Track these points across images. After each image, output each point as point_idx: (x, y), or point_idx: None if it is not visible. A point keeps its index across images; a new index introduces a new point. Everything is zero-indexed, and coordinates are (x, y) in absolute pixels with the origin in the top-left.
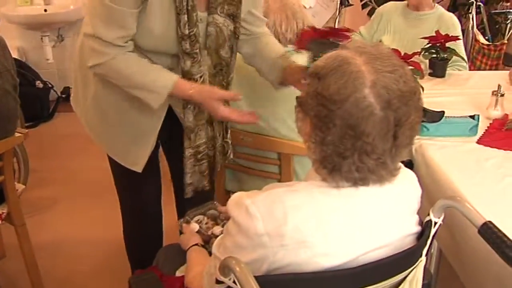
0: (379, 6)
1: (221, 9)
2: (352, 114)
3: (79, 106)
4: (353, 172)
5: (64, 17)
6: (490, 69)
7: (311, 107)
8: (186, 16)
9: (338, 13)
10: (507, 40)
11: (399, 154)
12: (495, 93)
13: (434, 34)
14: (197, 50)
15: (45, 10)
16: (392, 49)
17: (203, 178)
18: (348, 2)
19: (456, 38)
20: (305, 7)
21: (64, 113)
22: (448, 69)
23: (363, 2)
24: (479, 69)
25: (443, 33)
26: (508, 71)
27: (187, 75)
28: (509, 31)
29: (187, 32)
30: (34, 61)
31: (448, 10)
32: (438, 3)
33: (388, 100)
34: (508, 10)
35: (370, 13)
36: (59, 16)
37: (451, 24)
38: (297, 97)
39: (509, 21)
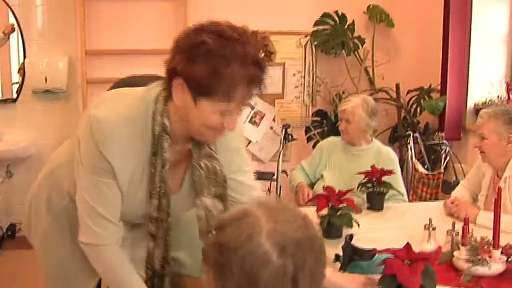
0: (323, 139)
1: (207, 191)
2: (249, 261)
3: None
4: None
5: (14, 154)
6: (430, 198)
7: (213, 257)
8: (157, 200)
9: (283, 147)
10: (444, 169)
11: None
12: (427, 227)
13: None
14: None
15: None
16: (327, 187)
17: None
18: (292, 137)
19: (390, 172)
20: (251, 142)
21: (9, 250)
22: (388, 202)
23: (307, 135)
24: (420, 198)
25: (382, 167)
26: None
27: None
28: (444, 161)
29: (155, 215)
30: None
31: (389, 141)
32: (378, 135)
33: (284, 247)
34: (442, 141)
35: (314, 146)
36: (9, 153)
37: (389, 158)
38: (202, 249)
39: (443, 151)
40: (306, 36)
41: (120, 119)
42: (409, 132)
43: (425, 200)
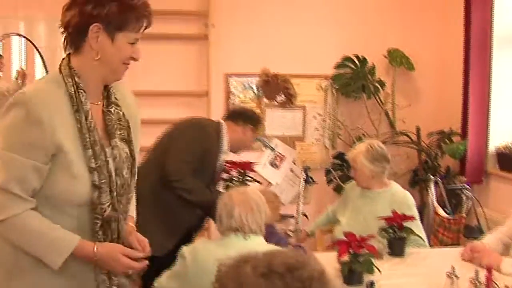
0: (343, 183)
1: (118, 134)
2: None
3: None
4: None
5: None
6: (452, 242)
7: None
8: (90, 150)
9: (304, 190)
10: (465, 213)
11: None
12: (449, 275)
13: (391, 213)
14: (104, 180)
15: None
16: (347, 232)
17: None
18: (312, 179)
19: (411, 218)
20: (271, 184)
21: None
22: (408, 247)
23: (327, 178)
24: (441, 242)
25: (397, 211)
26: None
27: (97, 206)
28: (466, 205)
29: (93, 165)
30: None
31: (409, 184)
32: (398, 178)
33: None
34: (463, 185)
35: (336, 189)
36: None
37: (404, 202)
38: None
39: (464, 195)
40: (326, 79)
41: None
42: (430, 175)
43: (446, 244)
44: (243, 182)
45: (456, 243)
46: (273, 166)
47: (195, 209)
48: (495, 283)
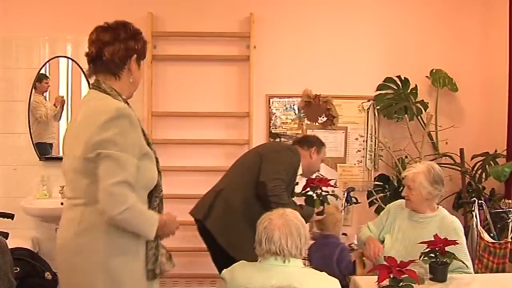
0: (385, 204)
1: None
2: None
3: None
4: None
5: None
6: (497, 268)
7: None
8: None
9: (346, 211)
10: (511, 238)
11: None
12: None
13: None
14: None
15: (62, 204)
16: (388, 257)
17: None
18: (357, 200)
19: (454, 242)
20: None
21: None
22: (452, 273)
23: (369, 200)
24: (486, 268)
25: (445, 236)
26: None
27: (160, 188)
28: (510, 229)
29: (156, 157)
30: (47, 251)
31: (453, 207)
32: (442, 201)
33: None
34: (509, 209)
35: (377, 211)
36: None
37: (453, 228)
38: None
39: (510, 219)
40: (368, 101)
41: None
42: (474, 198)
43: (491, 270)
44: (321, 195)
45: (502, 269)
46: None
47: None
48: None
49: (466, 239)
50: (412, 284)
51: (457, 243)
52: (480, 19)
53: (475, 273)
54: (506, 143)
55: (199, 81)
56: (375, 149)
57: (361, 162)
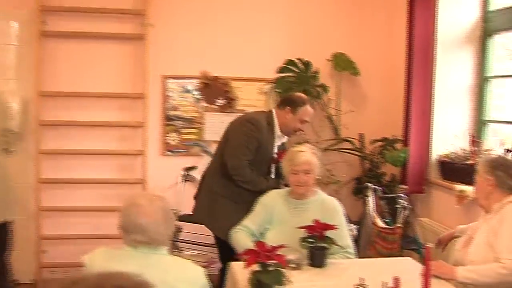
0: None
1: None
2: None
3: None
4: None
5: None
6: (389, 253)
7: None
8: None
9: None
10: (402, 223)
11: None
12: (358, 286)
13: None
14: None
15: None
16: (258, 241)
17: None
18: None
19: (333, 227)
20: None
21: None
22: (335, 256)
23: None
24: (379, 253)
25: (327, 219)
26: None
27: None
28: (402, 215)
29: None
30: None
31: (353, 193)
32: (342, 186)
33: None
34: (398, 194)
35: None
36: None
37: (334, 210)
38: None
39: (401, 205)
40: (268, 83)
41: None
42: (368, 183)
43: (383, 255)
44: None
45: (395, 254)
46: None
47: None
48: None
49: (361, 224)
50: (282, 269)
51: (337, 228)
52: (383, 4)
53: (369, 258)
54: (403, 129)
55: (92, 60)
56: None
57: None
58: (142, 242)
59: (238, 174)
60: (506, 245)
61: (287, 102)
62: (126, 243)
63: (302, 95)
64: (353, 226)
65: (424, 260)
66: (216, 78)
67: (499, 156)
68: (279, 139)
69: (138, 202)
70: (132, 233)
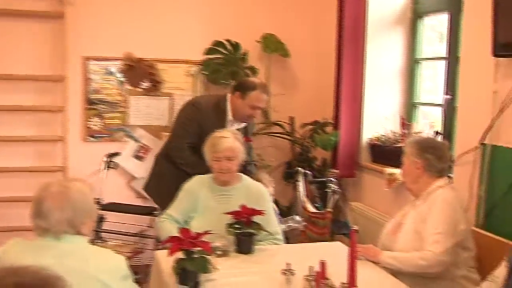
0: None
1: None
2: None
3: None
4: None
5: None
6: (320, 238)
7: None
8: None
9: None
10: (332, 208)
11: None
12: (284, 272)
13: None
14: None
15: None
16: (182, 228)
17: None
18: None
19: (260, 212)
20: (136, 177)
21: None
22: (263, 243)
23: None
24: (310, 238)
25: (254, 205)
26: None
27: None
28: (333, 199)
29: None
30: None
31: (283, 178)
32: (272, 171)
33: None
34: (329, 179)
35: None
36: None
37: (260, 195)
38: None
39: (330, 189)
40: (196, 65)
41: None
42: (298, 168)
43: (314, 241)
44: None
45: (326, 239)
46: (137, 159)
47: None
48: (327, 279)
49: (292, 209)
50: (207, 257)
51: (264, 213)
52: None
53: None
54: (333, 111)
55: (5, 40)
56: None
57: None
58: (46, 230)
59: (177, 156)
60: (431, 235)
61: (238, 87)
62: (34, 231)
63: (256, 80)
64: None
65: (350, 243)
66: (140, 60)
67: (428, 138)
68: (233, 125)
69: (49, 187)
70: (36, 219)
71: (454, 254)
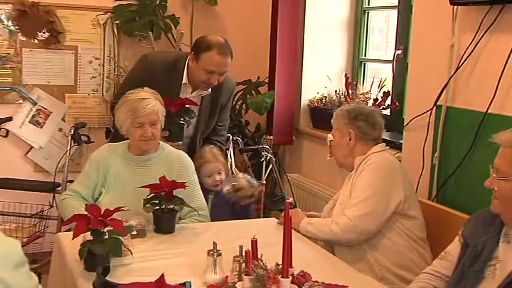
0: None
1: None
2: None
3: None
4: None
5: None
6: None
7: None
8: None
9: (69, 152)
10: (266, 179)
11: None
12: (210, 253)
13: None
14: None
15: None
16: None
17: None
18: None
19: (182, 185)
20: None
21: None
22: (186, 220)
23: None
24: None
25: (176, 177)
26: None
27: None
28: (266, 170)
29: None
30: None
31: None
32: None
33: None
34: (263, 146)
35: None
36: None
37: (181, 165)
38: None
39: (264, 158)
40: (106, 13)
41: None
42: (227, 134)
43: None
44: None
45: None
46: (34, 125)
47: None
48: (260, 261)
49: None
50: (120, 238)
51: (187, 186)
52: None
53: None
54: (268, 70)
55: None
56: (114, 75)
57: (97, 91)
58: None
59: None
60: (352, 198)
61: (193, 46)
62: None
63: (214, 38)
64: None
65: (284, 217)
66: (36, 5)
67: (356, 105)
68: (189, 89)
69: None
70: None
71: (388, 221)
